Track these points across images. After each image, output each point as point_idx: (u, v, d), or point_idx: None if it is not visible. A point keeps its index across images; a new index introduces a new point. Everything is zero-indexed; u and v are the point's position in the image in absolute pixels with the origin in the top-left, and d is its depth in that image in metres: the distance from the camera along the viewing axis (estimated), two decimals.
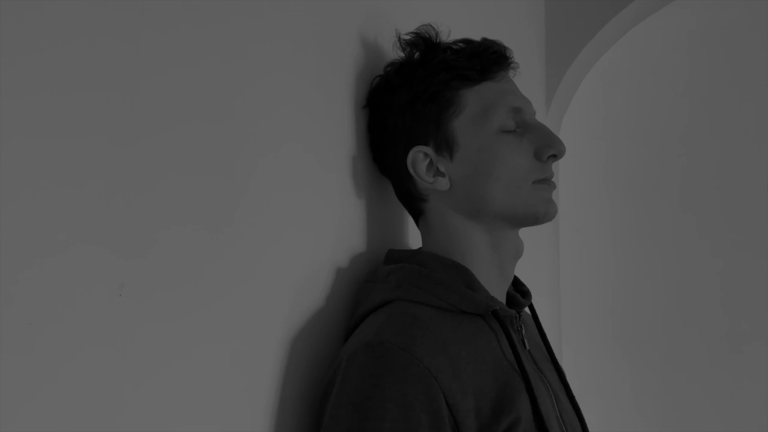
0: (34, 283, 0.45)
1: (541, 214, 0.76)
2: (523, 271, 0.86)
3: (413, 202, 0.79)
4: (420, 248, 0.80)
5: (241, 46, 0.65)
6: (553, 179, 0.77)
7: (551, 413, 0.72)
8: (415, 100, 0.75)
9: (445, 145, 0.75)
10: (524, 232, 0.81)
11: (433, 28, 0.78)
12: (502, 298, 0.79)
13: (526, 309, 0.85)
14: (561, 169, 1.72)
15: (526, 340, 0.77)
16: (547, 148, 0.74)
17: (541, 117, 1.48)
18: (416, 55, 0.78)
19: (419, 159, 0.76)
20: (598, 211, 1.82)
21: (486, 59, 0.75)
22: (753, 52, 1.70)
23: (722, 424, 1.70)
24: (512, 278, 0.81)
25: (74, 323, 0.48)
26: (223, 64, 0.63)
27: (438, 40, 0.78)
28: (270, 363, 0.68)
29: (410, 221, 0.89)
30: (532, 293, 0.84)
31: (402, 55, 0.79)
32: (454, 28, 0.81)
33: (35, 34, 0.45)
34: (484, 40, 0.77)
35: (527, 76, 0.89)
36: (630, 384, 1.78)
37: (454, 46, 0.77)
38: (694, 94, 1.75)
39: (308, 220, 0.74)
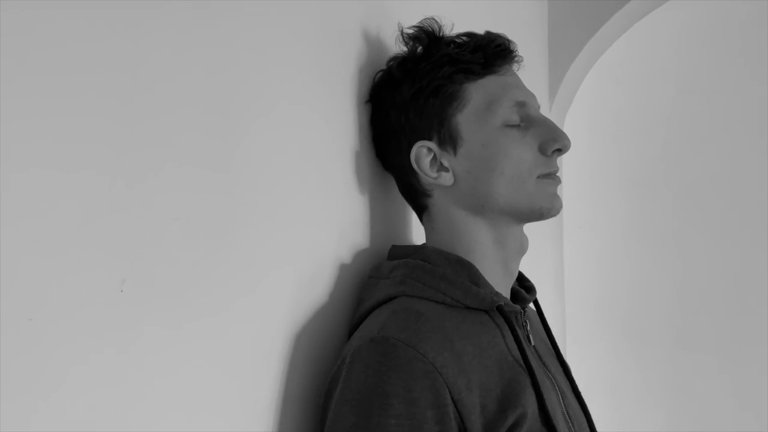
0: (35, 278, 0.45)
1: (546, 209, 0.75)
2: (527, 266, 0.86)
3: (417, 197, 0.79)
4: (424, 244, 0.80)
5: (242, 40, 0.65)
6: (558, 174, 0.77)
7: (557, 409, 0.72)
8: (419, 95, 0.75)
9: (448, 140, 0.75)
10: (528, 228, 0.81)
11: (436, 22, 0.78)
12: (506, 294, 0.78)
13: (531, 305, 0.84)
14: (564, 165, 1.72)
15: (531, 336, 0.77)
16: (551, 142, 0.74)
17: (545, 113, 1.47)
18: (419, 49, 0.77)
19: (423, 154, 0.75)
20: (602, 207, 1.82)
21: (490, 53, 0.75)
22: (756, 47, 1.69)
23: (729, 419, 1.69)
24: (517, 274, 0.80)
25: (75, 319, 0.47)
26: (223, 58, 0.62)
27: (441, 34, 0.77)
28: (273, 359, 0.68)
29: (414, 217, 0.88)
30: (536, 289, 0.84)
31: (405, 49, 0.79)
32: (456, 26, 0.81)
33: (36, 26, 0.45)
34: (488, 33, 0.77)
35: (530, 73, 0.88)
36: (634, 379, 1.78)
37: (457, 40, 0.77)
38: (697, 90, 1.75)
39: (310, 217, 0.74)
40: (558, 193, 0.77)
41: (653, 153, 1.78)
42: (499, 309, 0.71)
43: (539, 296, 0.86)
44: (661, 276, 1.77)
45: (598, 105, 1.79)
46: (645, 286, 1.78)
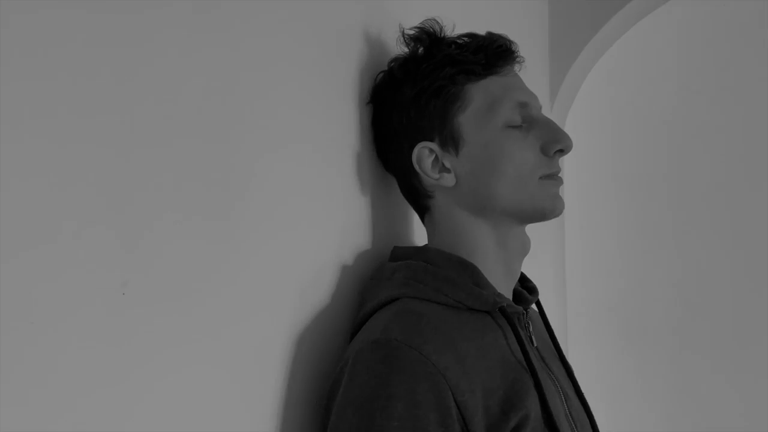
0: (36, 281, 0.44)
1: (548, 210, 0.75)
2: (528, 267, 0.86)
3: (419, 198, 0.79)
4: (426, 245, 0.80)
5: (241, 41, 0.64)
6: (560, 174, 0.77)
7: (560, 410, 0.71)
8: (420, 96, 0.75)
9: (450, 141, 0.75)
10: (529, 229, 0.80)
11: (437, 23, 0.77)
12: (508, 295, 0.78)
13: (533, 306, 0.84)
14: (565, 166, 1.71)
15: (533, 337, 0.77)
16: (554, 143, 0.74)
17: (546, 113, 1.47)
18: (420, 49, 0.77)
19: (424, 155, 0.75)
20: (603, 208, 1.82)
21: (491, 53, 0.75)
22: (756, 46, 1.68)
23: (729, 419, 1.69)
24: (519, 275, 0.80)
25: (77, 322, 0.47)
26: (223, 60, 0.62)
27: (442, 35, 0.77)
28: (275, 362, 0.68)
29: (415, 218, 0.88)
30: (538, 290, 0.84)
31: (406, 50, 0.79)
32: (457, 27, 0.81)
33: (35, 30, 0.45)
34: (489, 34, 0.76)
35: (531, 73, 0.88)
36: (636, 380, 1.78)
37: (458, 41, 0.77)
38: (699, 89, 1.74)
39: (312, 218, 0.74)
40: (560, 193, 0.77)
41: (655, 153, 1.78)
42: (502, 310, 0.71)
43: (541, 297, 0.85)
44: (662, 276, 1.77)
45: (599, 105, 1.79)
46: (646, 287, 1.78)
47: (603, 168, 1.81)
